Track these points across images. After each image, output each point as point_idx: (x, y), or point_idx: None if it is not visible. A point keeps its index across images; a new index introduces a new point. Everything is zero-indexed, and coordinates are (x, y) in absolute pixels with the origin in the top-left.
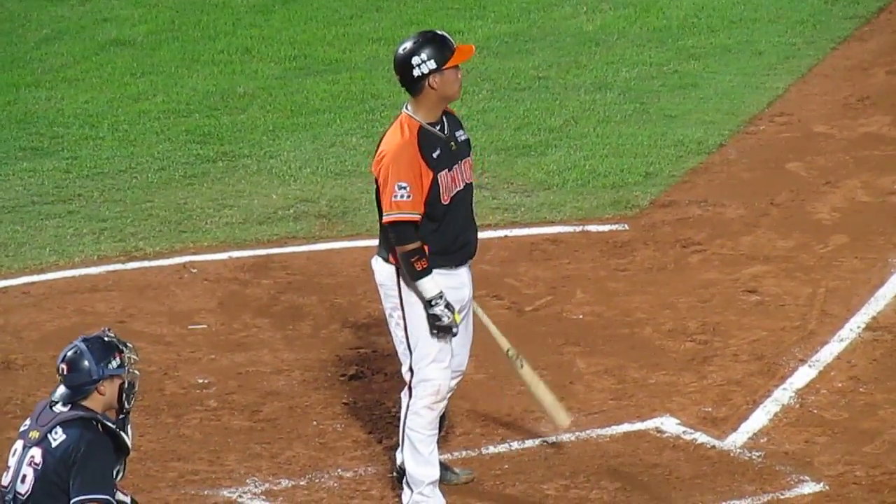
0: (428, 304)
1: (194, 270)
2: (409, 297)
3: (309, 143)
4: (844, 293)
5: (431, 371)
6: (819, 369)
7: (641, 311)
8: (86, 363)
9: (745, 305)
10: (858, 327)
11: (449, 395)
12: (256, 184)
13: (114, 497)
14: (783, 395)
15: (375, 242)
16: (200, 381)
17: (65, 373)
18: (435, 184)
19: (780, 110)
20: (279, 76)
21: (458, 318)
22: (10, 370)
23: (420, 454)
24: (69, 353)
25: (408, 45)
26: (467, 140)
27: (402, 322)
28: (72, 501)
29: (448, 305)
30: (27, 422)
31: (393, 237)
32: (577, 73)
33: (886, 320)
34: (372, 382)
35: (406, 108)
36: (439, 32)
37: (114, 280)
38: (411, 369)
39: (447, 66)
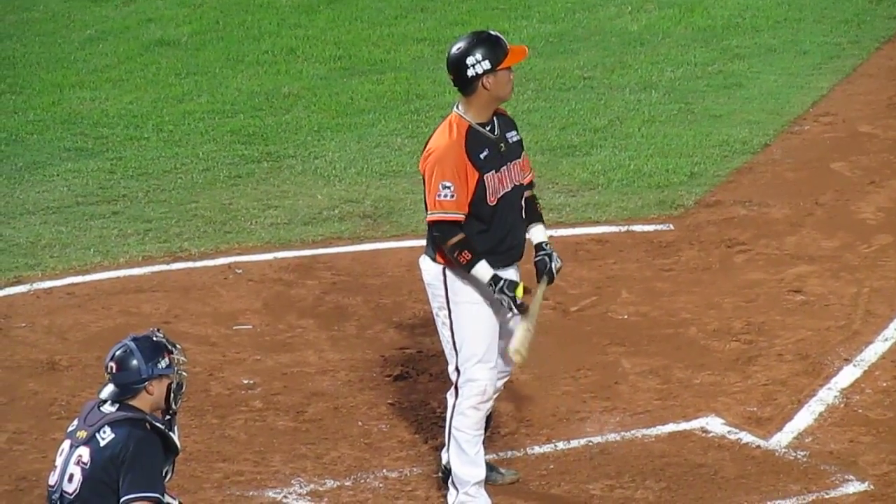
0: (490, 288)
1: (239, 271)
2: (456, 296)
3: (354, 144)
4: (889, 293)
5: (477, 371)
6: (864, 369)
7: (686, 311)
8: (135, 362)
9: (790, 305)
10: None
11: (496, 395)
12: (301, 184)
13: (163, 496)
14: (828, 394)
15: (421, 243)
16: (245, 381)
17: (114, 371)
18: (481, 185)
19: (825, 110)
20: (324, 76)
21: (520, 293)
22: (55, 371)
23: (466, 454)
24: (118, 352)
25: (462, 44)
26: (519, 141)
27: (448, 321)
28: (121, 500)
29: (508, 283)
30: (74, 422)
31: (437, 235)
32: (622, 73)
33: None
34: (417, 383)
35: (457, 108)
36: (493, 33)
37: (158, 281)
38: (458, 369)
39: (501, 66)
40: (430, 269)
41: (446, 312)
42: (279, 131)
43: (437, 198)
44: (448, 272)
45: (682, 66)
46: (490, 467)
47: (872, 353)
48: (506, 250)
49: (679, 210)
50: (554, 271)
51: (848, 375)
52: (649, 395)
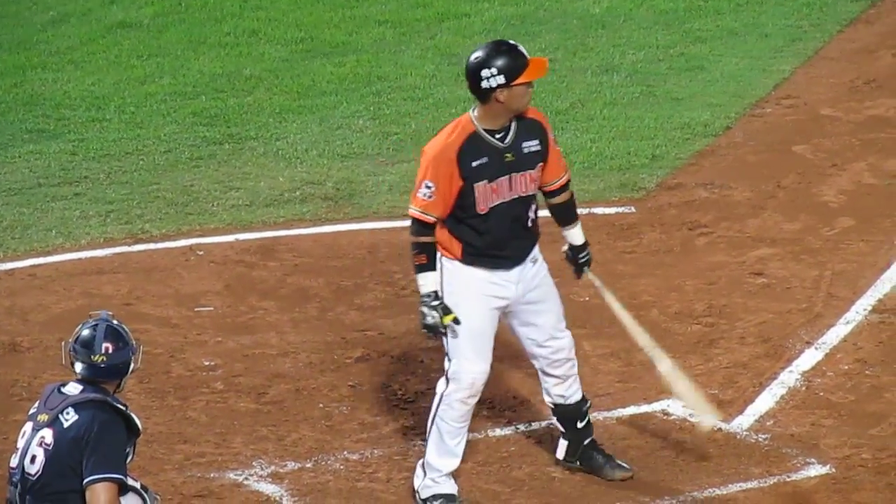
0: (420, 300)
1: (200, 253)
2: (449, 286)
3: (315, 126)
4: (851, 276)
5: (467, 365)
6: (825, 352)
7: (648, 293)
8: (122, 343)
9: (752, 288)
10: (865, 310)
11: (563, 382)
12: (263, 166)
13: (126, 478)
14: (789, 377)
15: (382, 225)
16: (207, 363)
17: (109, 352)
18: (468, 192)
19: (787, 93)
20: (286, 58)
21: (447, 319)
22: (16, 353)
23: (445, 444)
24: (108, 332)
25: (480, 54)
26: (538, 151)
27: None
28: (85, 481)
29: (439, 306)
30: (35, 405)
31: (411, 227)
32: (584, 55)
33: (893, 303)
34: (378, 365)
35: (472, 110)
36: (513, 44)
37: (120, 262)
38: (448, 358)
39: (517, 82)
40: None
41: None
42: (241, 113)
43: (417, 194)
44: (445, 263)
45: (643, 49)
46: (606, 458)
47: (834, 336)
48: (496, 256)
49: (641, 193)
50: (584, 276)
51: (809, 358)
52: (610, 377)
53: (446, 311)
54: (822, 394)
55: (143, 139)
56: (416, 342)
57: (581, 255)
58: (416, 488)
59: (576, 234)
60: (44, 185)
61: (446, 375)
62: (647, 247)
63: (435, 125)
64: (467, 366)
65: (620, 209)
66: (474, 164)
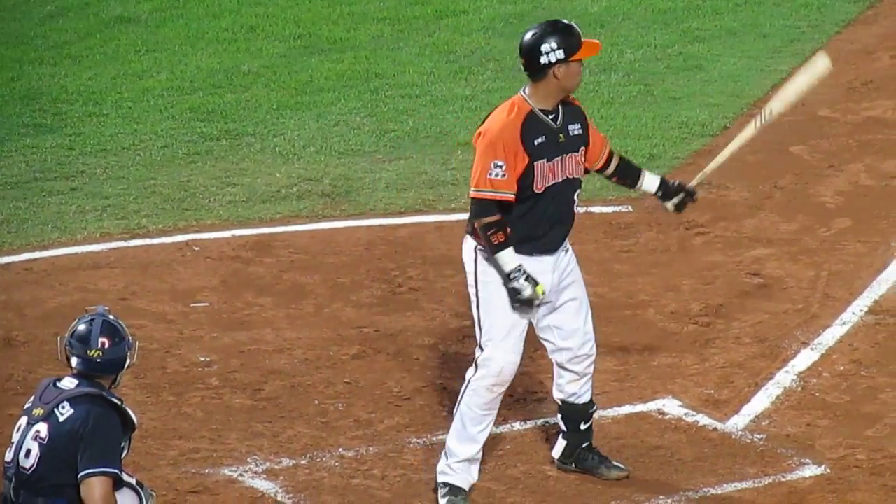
0: (507, 277)
1: (197, 248)
2: (484, 275)
3: (313, 122)
4: (847, 276)
5: (497, 352)
6: (821, 352)
7: (644, 292)
8: (118, 338)
9: (748, 288)
10: (861, 311)
11: (583, 378)
12: (260, 162)
13: (121, 473)
14: (785, 377)
15: (378, 222)
16: (202, 359)
17: (105, 347)
18: (529, 170)
19: None
20: (283, 54)
21: (540, 290)
22: (11, 347)
23: (467, 431)
24: (105, 327)
25: (537, 31)
26: (581, 135)
27: (475, 299)
28: (80, 475)
29: (529, 278)
30: (31, 399)
31: (475, 209)
32: None
33: (889, 304)
34: (374, 362)
35: (523, 91)
36: (569, 23)
37: (116, 257)
38: (480, 346)
39: (574, 57)
40: (465, 245)
41: (475, 290)
42: (238, 109)
43: (488, 176)
44: (479, 250)
45: (642, 48)
46: (602, 459)
47: (830, 336)
48: (539, 238)
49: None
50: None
51: (805, 359)
52: (606, 376)
53: (535, 282)
54: (817, 394)
55: (140, 134)
56: (412, 339)
57: (675, 194)
58: (437, 469)
59: (650, 181)
60: (40, 180)
61: (476, 362)
62: (643, 246)
63: (433, 122)
64: (499, 354)
65: (618, 208)
66: (536, 142)
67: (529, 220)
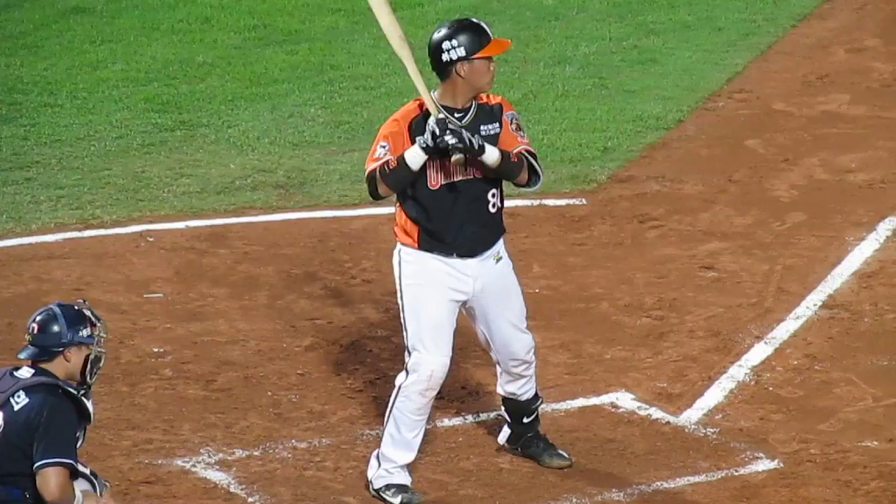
0: (432, 142)
1: (151, 239)
2: (408, 278)
3: (267, 114)
4: (801, 271)
5: (425, 356)
6: (775, 347)
7: (598, 285)
8: (56, 327)
9: (702, 282)
10: (815, 305)
11: (519, 380)
12: (214, 153)
13: (77, 463)
14: (739, 371)
15: (332, 213)
16: (156, 350)
17: (35, 332)
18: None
19: (740, 87)
20: (238, 46)
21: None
22: None
23: (401, 436)
24: (43, 314)
25: (443, 30)
26: (495, 135)
27: (400, 302)
28: (35, 465)
29: (447, 128)
30: None
31: (369, 189)
32: (537, 47)
33: (843, 298)
34: (328, 354)
35: (433, 91)
36: (476, 21)
37: (70, 248)
38: (408, 350)
39: (477, 55)
40: (395, 251)
41: (399, 293)
42: (193, 100)
43: (374, 156)
44: (403, 252)
45: (596, 41)
46: (547, 447)
47: (784, 330)
48: (449, 242)
49: (592, 185)
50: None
51: (759, 353)
52: (560, 369)
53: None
54: (771, 388)
55: (95, 125)
56: (365, 331)
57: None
58: (369, 478)
59: (490, 151)
60: None
61: (406, 367)
62: (597, 239)
63: (387, 114)
64: (427, 357)
65: (571, 201)
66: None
67: (434, 220)
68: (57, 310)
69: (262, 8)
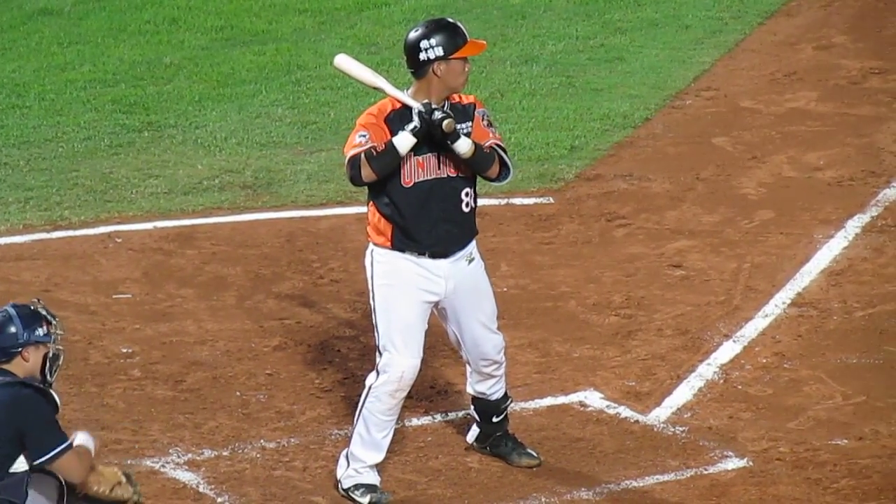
0: (427, 115)
1: (119, 240)
2: (380, 278)
3: (235, 114)
4: (770, 269)
5: (396, 356)
6: (743, 345)
7: (566, 284)
8: (13, 328)
9: (670, 280)
10: (783, 303)
11: (489, 380)
12: (182, 154)
13: (69, 439)
14: (707, 370)
15: (301, 213)
16: (124, 350)
17: None
18: None
19: (707, 85)
20: (205, 47)
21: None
22: None
23: (371, 437)
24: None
25: (420, 29)
26: (468, 133)
27: (372, 302)
28: (44, 461)
29: (433, 112)
30: None
31: (350, 174)
32: (504, 46)
33: (811, 296)
34: (296, 354)
35: (407, 90)
36: (453, 21)
37: (39, 249)
38: (379, 351)
39: (454, 55)
40: (367, 251)
41: (371, 294)
42: (160, 101)
43: (353, 143)
44: (375, 252)
45: (563, 40)
46: (515, 445)
47: (752, 329)
48: (430, 239)
49: (559, 183)
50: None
51: (728, 351)
52: (528, 368)
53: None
54: (739, 387)
55: (63, 126)
56: (333, 331)
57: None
58: (338, 478)
59: (464, 141)
60: None
61: (376, 368)
62: (565, 238)
63: (353, 115)
64: (397, 359)
65: (539, 200)
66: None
67: (408, 217)
68: (11, 311)
69: (228, 9)
